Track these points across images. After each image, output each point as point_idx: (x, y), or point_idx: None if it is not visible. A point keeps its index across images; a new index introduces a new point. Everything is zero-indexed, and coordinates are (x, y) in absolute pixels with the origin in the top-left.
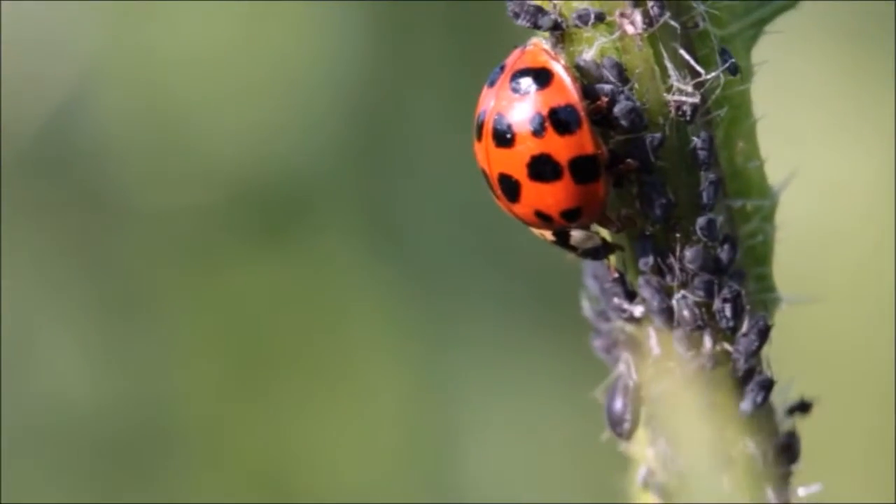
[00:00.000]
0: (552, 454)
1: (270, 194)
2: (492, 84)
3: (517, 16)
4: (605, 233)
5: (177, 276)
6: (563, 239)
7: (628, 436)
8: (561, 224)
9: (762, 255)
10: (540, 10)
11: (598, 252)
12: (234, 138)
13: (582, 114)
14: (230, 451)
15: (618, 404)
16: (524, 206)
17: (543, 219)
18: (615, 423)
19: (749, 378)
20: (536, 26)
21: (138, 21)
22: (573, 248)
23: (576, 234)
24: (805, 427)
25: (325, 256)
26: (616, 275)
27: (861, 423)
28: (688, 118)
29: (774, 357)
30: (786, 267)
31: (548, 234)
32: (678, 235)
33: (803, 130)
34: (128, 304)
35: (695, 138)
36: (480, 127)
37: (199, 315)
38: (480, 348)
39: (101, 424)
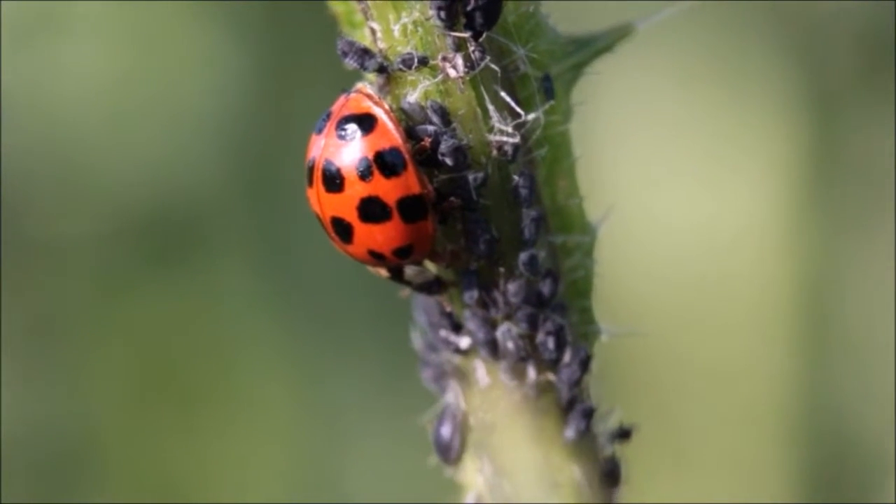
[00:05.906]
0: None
1: (164, 223)
2: (319, 131)
3: (345, 55)
4: (436, 268)
5: (76, 303)
6: (397, 275)
7: (455, 462)
8: (394, 261)
9: (584, 289)
10: (367, 52)
11: (432, 286)
12: (128, 167)
13: (407, 155)
14: (136, 472)
15: (445, 432)
16: (358, 247)
17: (377, 257)
18: (442, 450)
19: (572, 406)
20: (363, 68)
21: (31, 52)
22: (408, 283)
23: (409, 271)
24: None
25: (218, 283)
26: (443, 308)
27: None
28: (509, 158)
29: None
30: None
31: (383, 272)
32: (502, 270)
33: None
34: (30, 333)
35: (516, 177)
36: (311, 173)
37: (100, 341)
38: (364, 372)
39: (12, 448)
